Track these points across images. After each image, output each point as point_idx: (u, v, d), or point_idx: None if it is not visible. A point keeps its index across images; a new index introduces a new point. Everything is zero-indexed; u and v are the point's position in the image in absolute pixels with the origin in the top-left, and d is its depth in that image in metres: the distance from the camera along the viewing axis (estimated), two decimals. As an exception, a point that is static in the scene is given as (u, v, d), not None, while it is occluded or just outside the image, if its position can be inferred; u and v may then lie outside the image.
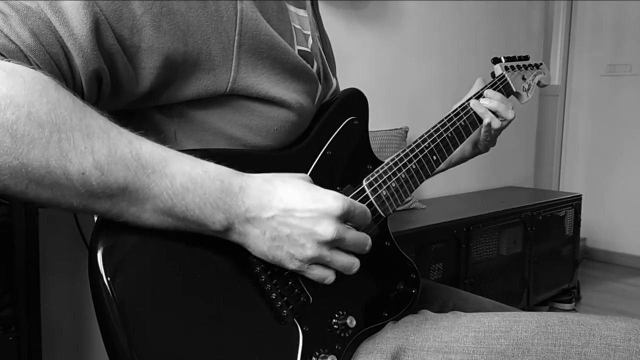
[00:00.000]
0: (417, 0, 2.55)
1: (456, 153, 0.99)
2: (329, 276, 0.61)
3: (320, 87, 0.74)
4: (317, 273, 0.60)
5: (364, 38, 2.34)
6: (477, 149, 0.99)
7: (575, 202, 2.80)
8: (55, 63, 0.50)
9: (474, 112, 0.89)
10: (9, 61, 0.46)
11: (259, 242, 0.57)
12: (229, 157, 0.59)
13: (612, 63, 3.58)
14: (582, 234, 2.95)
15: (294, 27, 0.72)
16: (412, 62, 2.58)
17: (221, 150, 0.63)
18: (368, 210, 0.64)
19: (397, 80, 2.52)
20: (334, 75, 0.86)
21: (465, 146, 0.99)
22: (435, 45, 2.69)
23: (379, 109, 2.38)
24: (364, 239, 0.62)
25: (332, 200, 0.58)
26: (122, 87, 0.56)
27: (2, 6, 0.48)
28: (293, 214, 0.57)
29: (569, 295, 2.77)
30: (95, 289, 0.52)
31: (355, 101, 0.78)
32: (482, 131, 0.93)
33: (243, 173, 0.58)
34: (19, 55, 0.48)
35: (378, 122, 2.22)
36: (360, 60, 2.32)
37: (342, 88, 0.83)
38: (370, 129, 0.80)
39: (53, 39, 0.49)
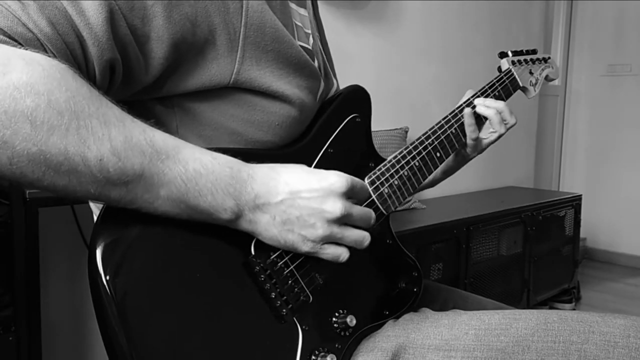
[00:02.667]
0: (417, 0, 2.56)
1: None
2: (342, 253, 0.62)
3: (322, 84, 0.74)
4: (331, 252, 0.61)
5: (364, 38, 2.34)
6: (462, 155, 0.93)
7: (575, 202, 2.79)
8: (70, 52, 0.50)
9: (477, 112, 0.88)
10: (27, 49, 0.47)
11: (269, 227, 0.58)
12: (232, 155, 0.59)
13: (612, 63, 3.58)
14: (582, 234, 2.95)
15: (295, 23, 0.72)
16: (412, 62, 2.58)
17: (220, 149, 0.63)
18: (365, 183, 0.67)
19: (397, 80, 2.52)
20: (334, 76, 0.86)
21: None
22: (435, 45, 2.69)
23: (379, 109, 2.37)
24: (369, 213, 0.65)
25: (336, 178, 0.60)
26: (132, 76, 0.57)
27: None
28: (300, 195, 0.58)
29: (569, 295, 2.77)
30: (94, 288, 0.52)
31: (358, 98, 0.77)
32: (487, 131, 0.89)
33: (248, 163, 0.59)
34: (36, 44, 0.48)
35: (378, 122, 2.21)
36: (360, 60, 2.32)
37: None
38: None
39: (69, 28, 0.50)
